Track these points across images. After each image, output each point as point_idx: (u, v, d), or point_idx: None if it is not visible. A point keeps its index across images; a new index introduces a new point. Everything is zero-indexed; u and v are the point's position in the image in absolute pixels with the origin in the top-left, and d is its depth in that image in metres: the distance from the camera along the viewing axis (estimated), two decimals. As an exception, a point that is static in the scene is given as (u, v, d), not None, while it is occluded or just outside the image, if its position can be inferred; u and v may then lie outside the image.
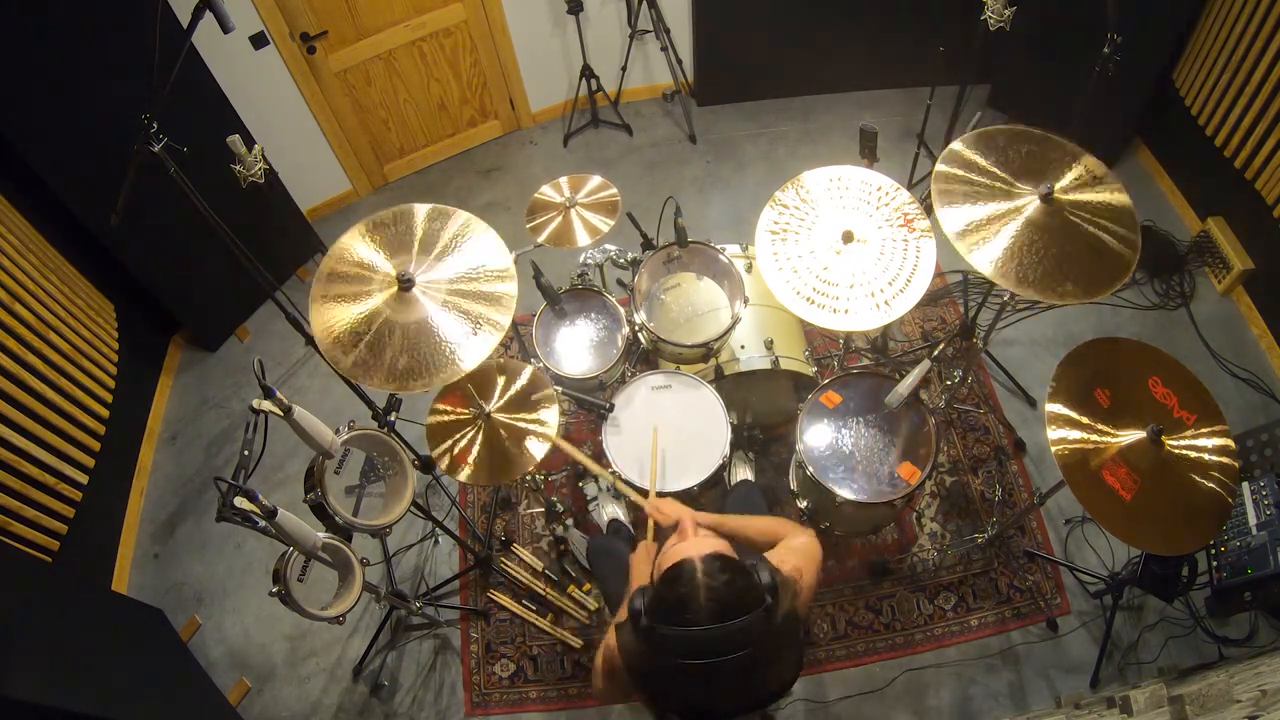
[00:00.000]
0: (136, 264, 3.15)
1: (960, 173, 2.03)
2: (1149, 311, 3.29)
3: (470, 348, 1.78)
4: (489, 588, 2.83)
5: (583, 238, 2.48)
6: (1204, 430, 1.82)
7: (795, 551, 1.50)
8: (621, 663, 1.30)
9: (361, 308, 1.81)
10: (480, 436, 2.07)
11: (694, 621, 1.13)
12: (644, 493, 2.03)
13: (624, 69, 4.16)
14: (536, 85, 4.20)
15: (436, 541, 2.97)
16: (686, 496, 2.19)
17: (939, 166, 2.04)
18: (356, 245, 1.88)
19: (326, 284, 1.83)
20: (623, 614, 1.34)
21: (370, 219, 1.92)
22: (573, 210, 2.53)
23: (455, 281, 1.85)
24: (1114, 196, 1.96)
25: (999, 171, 2.02)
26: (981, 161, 2.03)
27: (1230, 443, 1.80)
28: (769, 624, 1.15)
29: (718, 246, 2.55)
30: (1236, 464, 1.78)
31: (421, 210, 1.93)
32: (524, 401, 2.14)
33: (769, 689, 1.25)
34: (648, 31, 3.95)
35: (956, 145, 2.06)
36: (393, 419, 2.38)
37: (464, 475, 2.05)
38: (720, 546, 1.30)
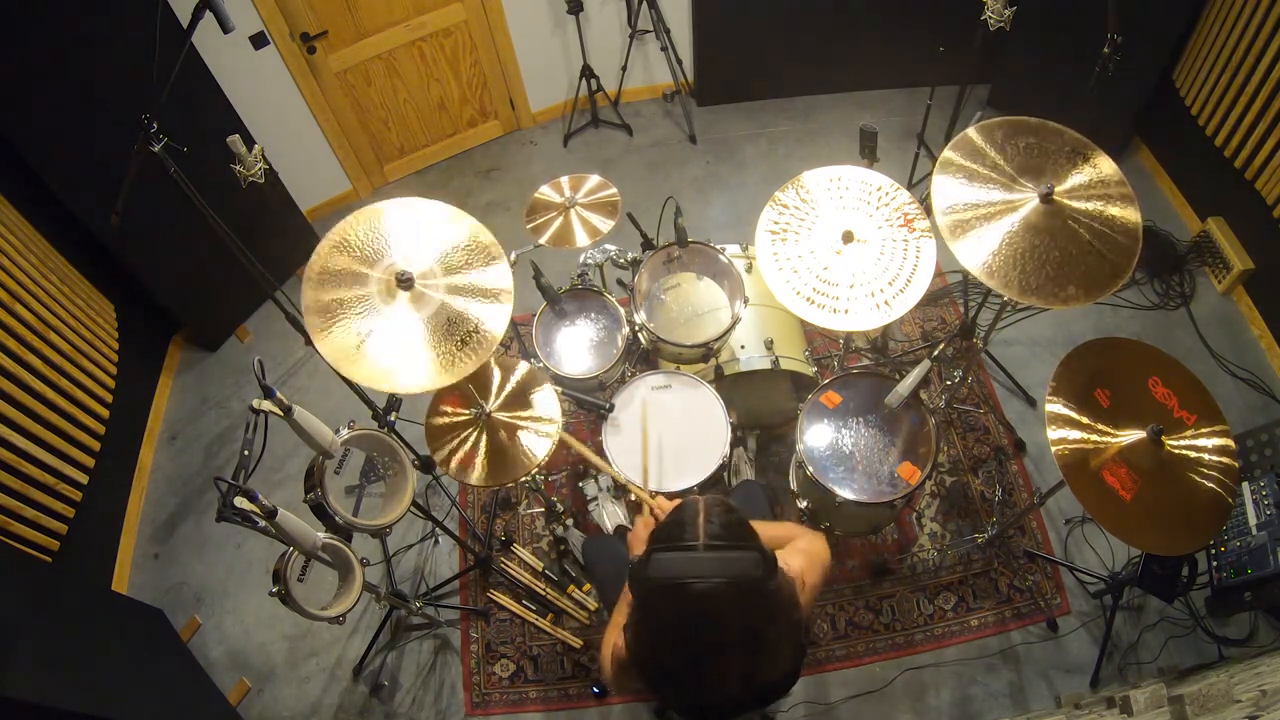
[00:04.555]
0: (136, 264, 3.15)
1: (965, 161, 2.03)
2: (1149, 311, 3.29)
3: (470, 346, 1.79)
4: (489, 588, 2.83)
5: (583, 238, 2.48)
6: (1204, 430, 1.81)
7: (800, 554, 1.50)
8: (624, 651, 1.32)
9: (361, 311, 1.81)
10: (480, 437, 2.07)
11: (690, 544, 1.19)
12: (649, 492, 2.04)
13: (624, 69, 4.16)
14: (536, 85, 4.20)
15: (436, 541, 2.97)
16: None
17: (945, 153, 2.03)
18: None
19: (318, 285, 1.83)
20: (622, 612, 1.35)
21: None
22: (573, 210, 2.53)
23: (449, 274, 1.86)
24: (1122, 212, 1.92)
25: (1003, 163, 2.01)
26: (990, 152, 2.02)
27: (1230, 443, 1.80)
28: (763, 575, 1.18)
29: (718, 246, 2.55)
30: (1237, 464, 1.78)
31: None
32: (523, 399, 2.14)
33: (766, 673, 1.25)
34: (648, 31, 3.95)
35: (969, 131, 2.05)
36: (393, 419, 2.38)
37: (464, 476, 2.05)
38: None
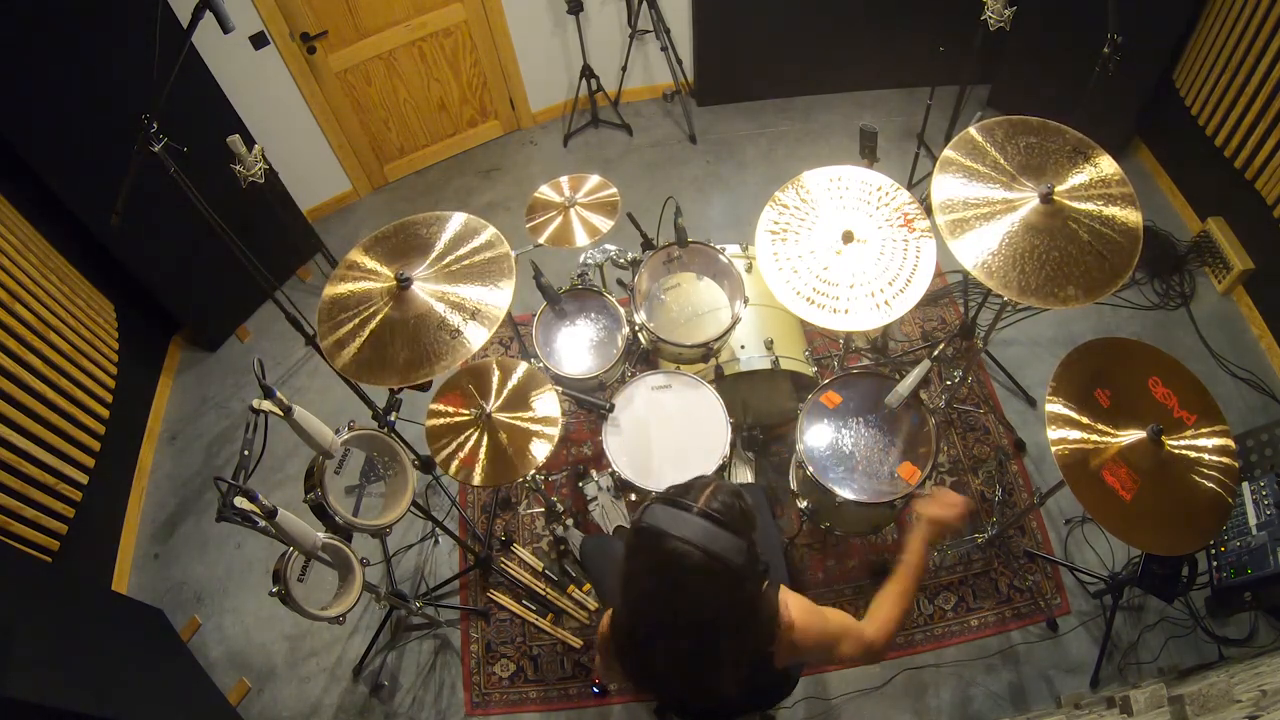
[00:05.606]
0: (136, 264, 3.15)
1: (966, 160, 2.03)
2: (1149, 311, 3.29)
3: (469, 333, 1.82)
4: (489, 588, 2.83)
5: (582, 238, 2.48)
6: (1204, 430, 1.81)
7: (817, 615, 1.47)
8: (609, 633, 1.34)
9: (365, 313, 1.84)
10: (481, 437, 2.07)
11: (686, 505, 1.22)
12: None
13: (624, 69, 4.16)
14: (536, 85, 4.20)
15: (436, 541, 2.97)
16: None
17: (946, 151, 2.03)
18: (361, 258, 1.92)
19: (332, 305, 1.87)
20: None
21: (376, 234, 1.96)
22: (572, 210, 2.54)
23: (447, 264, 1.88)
24: (1122, 212, 1.92)
25: (1003, 162, 2.01)
26: (990, 150, 2.02)
27: (1230, 443, 1.80)
28: (743, 566, 1.20)
29: (718, 246, 2.55)
30: (1236, 464, 1.78)
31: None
32: (523, 400, 2.14)
33: (706, 680, 1.29)
34: (648, 31, 3.95)
35: (970, 130, 2.05)
36: (393, 419, 2.38)
37: (463, 476, 2.05)
38: None
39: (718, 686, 1.30)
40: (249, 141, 2.77)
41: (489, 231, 2.00)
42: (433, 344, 1.83)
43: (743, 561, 1.19)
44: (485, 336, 1.83)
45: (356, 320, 1.88)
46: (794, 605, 1.43)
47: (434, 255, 1.97)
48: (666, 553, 1.18)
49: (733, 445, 2.28)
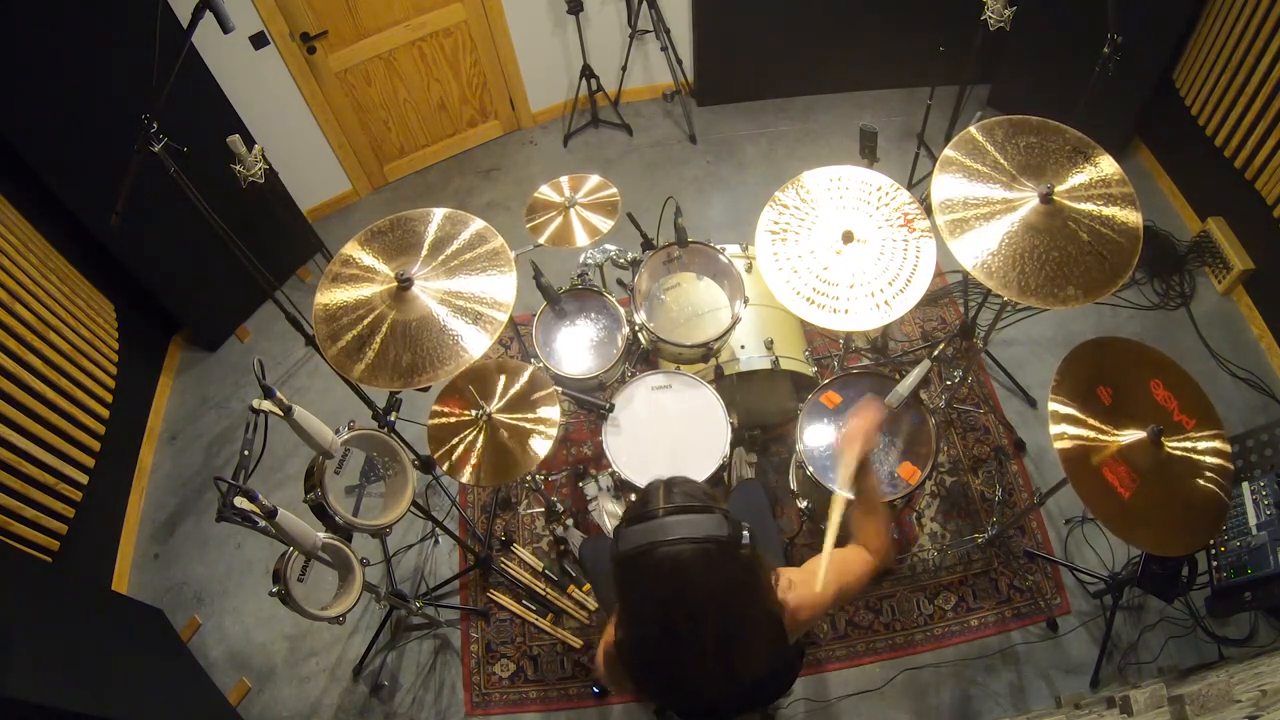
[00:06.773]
0: (136, 264, 3.15)
1: (966, 160, 2.03)
2: (1149, 311, 3.29)
3: (470, 340, 1.81)
4: (489, 588, 2.83)
5: (582, 238, 2.48)
6: (1203, 434, 1.81)
7: (803, 573, 1.46)
8: (613, 645, 1.33)
9: (361, 304, 1.83)
10: (481, 437, 2.07)
11: (652, 513, 1.22)
12: None
13: (624, 69, 4.16)
14: (536, 85, 4.20)
15: (436, 541, 2.97)
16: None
17: (947, 151, 2.03)
18: (359, 252, 1.91)
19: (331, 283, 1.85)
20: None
21: (374, 225, 1.94)
22: (572, 210, 2.54)
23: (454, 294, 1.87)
24: (1122, 212, 1.92)
25: (1004, 162, 2.01)
26: (990, 150, 2.02)
27: (1225, 447, 1.79)
28: (729, 535, 1.19)
29: (718, 246, 2.55)
30: (1231, 467, 1.77)
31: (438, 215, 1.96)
32: (525, 402, 2.14)
33: (745, 659, 1.26)
34: (648, 31, 3.95)
35: (971, 129, 2.05)
36: (393, 419, 2.38)
37: (465, 476, 2.05)
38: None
39: (757, 660, 1.28)
40: (249, 141, 2.78)
41: (484, 228, 1.99)
42: (435, 348, 1.82)
43: (728, 530, 1.20)
44: (487, 342, 1.82)
45: (358, 324, 1.88)
46: (787, 573, 1.43)
47: (438, 256, 1.96)
48: (660, 562, 1.17)
49: (733, 445, 2.28)
